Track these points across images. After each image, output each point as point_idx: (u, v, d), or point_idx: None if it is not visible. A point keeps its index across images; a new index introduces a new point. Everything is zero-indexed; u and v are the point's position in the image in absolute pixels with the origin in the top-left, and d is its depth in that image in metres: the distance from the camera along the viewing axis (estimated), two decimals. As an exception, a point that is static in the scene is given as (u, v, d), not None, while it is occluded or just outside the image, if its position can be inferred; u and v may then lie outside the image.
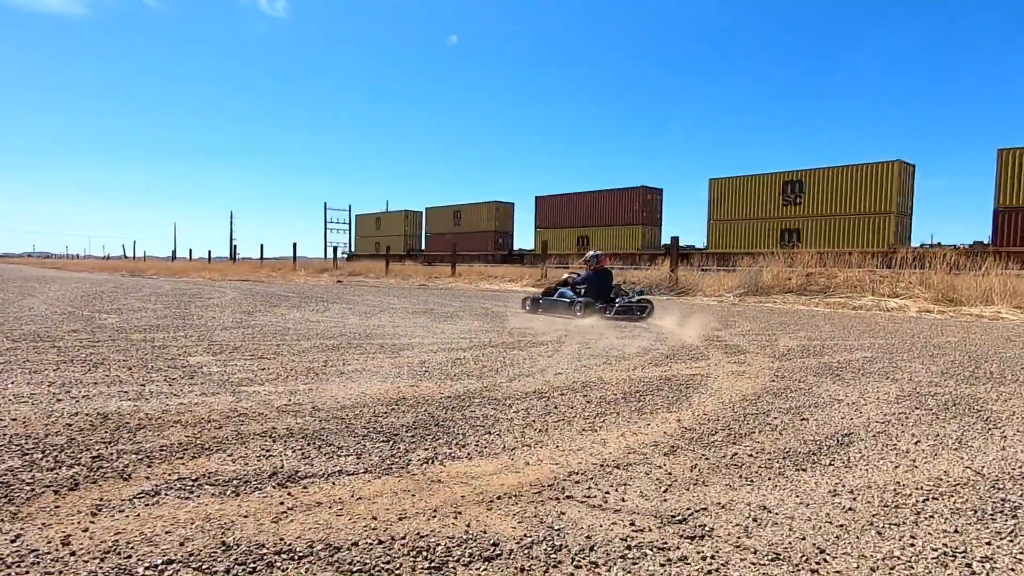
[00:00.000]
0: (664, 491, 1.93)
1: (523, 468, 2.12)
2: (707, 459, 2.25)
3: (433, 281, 19.97)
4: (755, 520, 1.72)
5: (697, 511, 1.77)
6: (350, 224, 68.99)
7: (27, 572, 1.34)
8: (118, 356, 4.20)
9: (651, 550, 1.52)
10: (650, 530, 1.64)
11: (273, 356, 4.38)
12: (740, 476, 2.08)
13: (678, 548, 1.54)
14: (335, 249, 33.81)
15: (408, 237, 42.97)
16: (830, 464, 2.24)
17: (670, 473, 2.09)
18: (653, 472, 2.10)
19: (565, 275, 9.25)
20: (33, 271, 30.46)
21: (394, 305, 9.82)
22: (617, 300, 8.10)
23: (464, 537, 1.57)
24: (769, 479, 2.06)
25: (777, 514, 1.77)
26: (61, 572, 1.34)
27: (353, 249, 50.61)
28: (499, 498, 1.84)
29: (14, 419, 2.53)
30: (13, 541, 1.48)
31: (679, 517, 1.73)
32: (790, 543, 1.59)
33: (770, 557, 1.51)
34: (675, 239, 15.08)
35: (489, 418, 2.78)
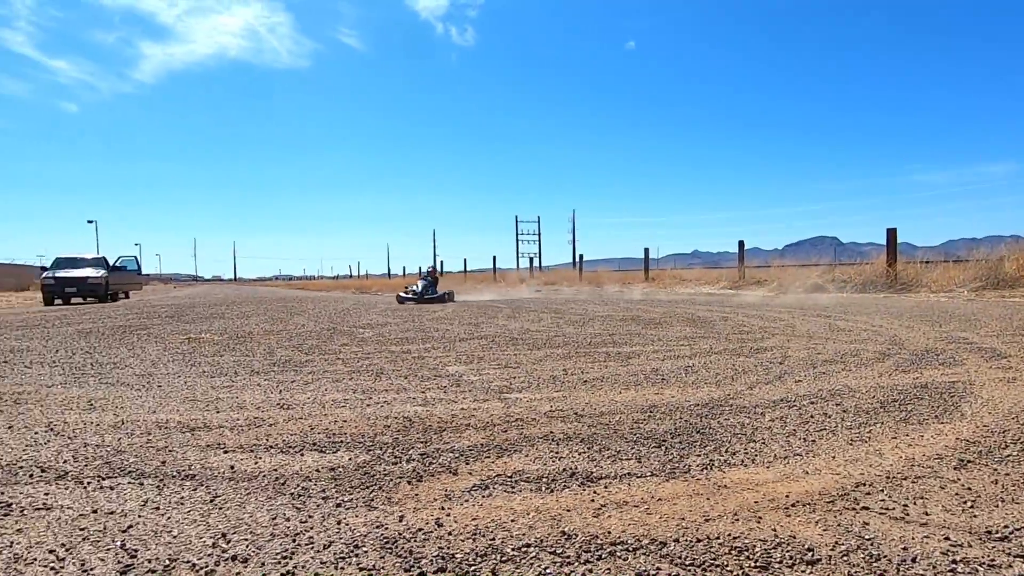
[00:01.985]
0: (970, 506, 1.84)
1: (803, 477, 2.13)
2: (1007, 474, 2.09)
3: (628, 288, 19.92)
4: (1089, 541, 1.59)
5: (1017, 529, 1.68)
6: (539, 235, 70.75)
7: (422, 547, 1.62)
8: (390, 366, 4.75)
9: (981, 567, 1.48)
10: (970, 546, 1.58)
11: (516, 365, 4.70)
12: (1052, 494, 1.92)
13: (1011, 566, 1.48)
14: (531, 260, 34.96)
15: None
16: None
17: (969, 488, 1.98)
18: (948, 486, 2.00)
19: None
20: (285, 292, 34.86)
21: (599, 313, 9.99)
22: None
23: (775, 540, 1.63)
24: (1088, 498, 1.88)
25: (1113, 536, 1.62)
26: (449, 546, 1.60)
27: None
28: (792, 506, 1.87)
29: (345, 420, 3.00)
30: (399, 521, 1.78)
31: (998, 534, 1.65)
32: None
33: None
34: (892, 231, 13.74)
35: (747, 426, 2.79)
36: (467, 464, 2.30)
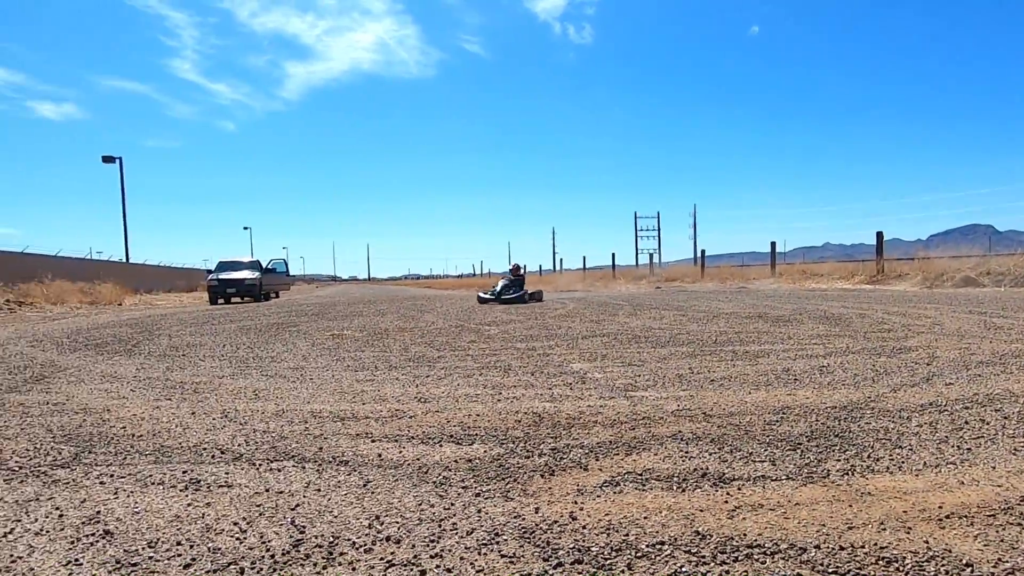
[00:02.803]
0: None
1: (958, 488, 1.97)
2: None
3: (753, 283, 19.05)
4: None
5: None
6: (659, 231, 69.15)
7: (558, 538, 1.66)
8: (517, 363, 4.86)
9: None
10: None
11: (640, 363, 4.65)
12: None
13: None
14: (650, 256, 34.25)
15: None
16: None
17: None
18: None
19: None
20: (413, 291, 36.38)
21: (724, 310, 9.64)
22: None
23: (928, 553, 1.53)
24: None
25: None
26: (584, 540, 1.64)
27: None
28: (947, 517, 1.74)
29: (478, 415, 3.11)
30: (535, 512, 1.84)
31: None
32: None
33: None
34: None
35: (891, 431, 2.61)
36: (597, 460, 2.33)
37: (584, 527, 1.72)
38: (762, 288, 19.08)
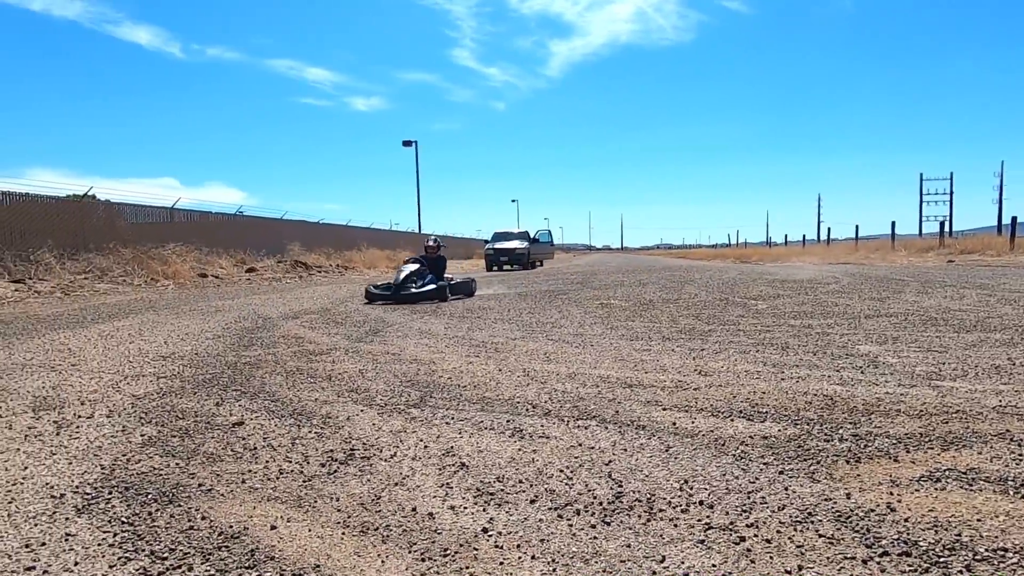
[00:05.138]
0: None
1: None
2: None
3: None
4: None
5: None
6: (951, 194, 58.80)
7: (878, 527, 1.61)
8: (795, 341, 4.60)
9: None
10: None
11: (942, 349, 4.10)
12: None
13: None
14: (940, 224, 29.17)
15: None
16: None
17: None
18: None
19: None
20: (668, 261, 35.87)
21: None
22: None
23: None
24: None
25: None
26: (908, 532, 1.56)
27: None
28: None
29: (763, 392, 3.05)
30: (847, 498, 1.79)
31: None
32: None
33: None
34: None
35: None
36: (908, 452, 2.16)
37: (906, 520, 1.64)
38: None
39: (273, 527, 1.72)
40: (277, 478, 2.10)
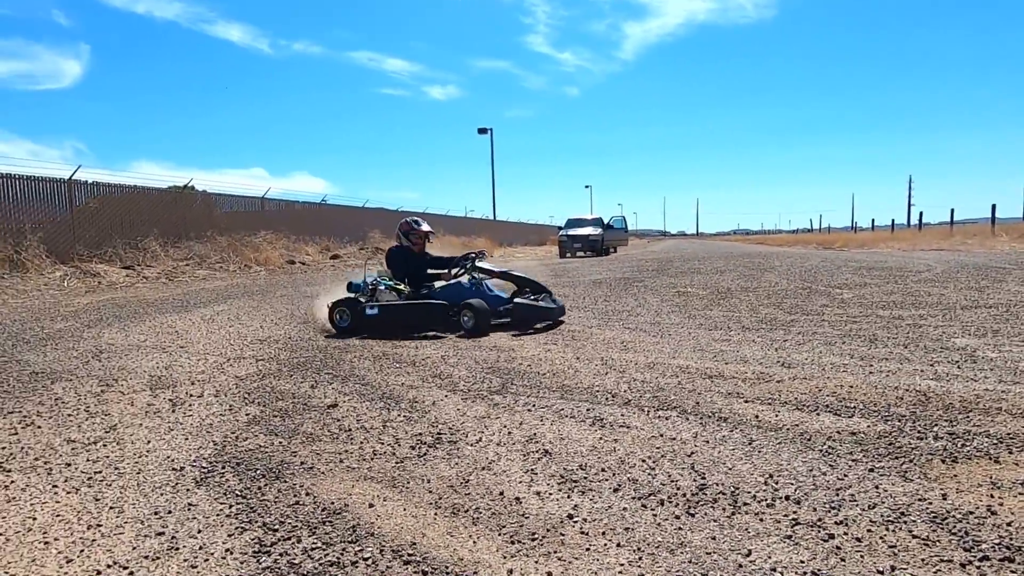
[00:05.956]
0: None
1: None
2: None
3: None
4: None
5: None
6: (1065, 177, 53.86)
7: (977, 530, 1.55)
8: (883, 333, 4.39)
9: None
10: None
11: (1051, 343, 3.82)
12: None
13: None
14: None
15: None
16: None
17: None
18: None
19: None
20: (745, 247, 34.68)
21: None
22: None
23: None
24: None
25: None
26: (1011, 538, 1.50)
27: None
28: None
29: (851, 386, 2.95)
30: (943, 499, 1.73)
31: None
32: None
33: None
34: None
35: None
36: (1010, 453, 2.05)
37: (1008, 524, 1.57)
38: None
39: (371, 505, 1.83)
40: (372, 459, 2.22)
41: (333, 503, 1.85)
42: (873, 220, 41.75)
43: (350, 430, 2.55)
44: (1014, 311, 5.23)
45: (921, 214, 32.10)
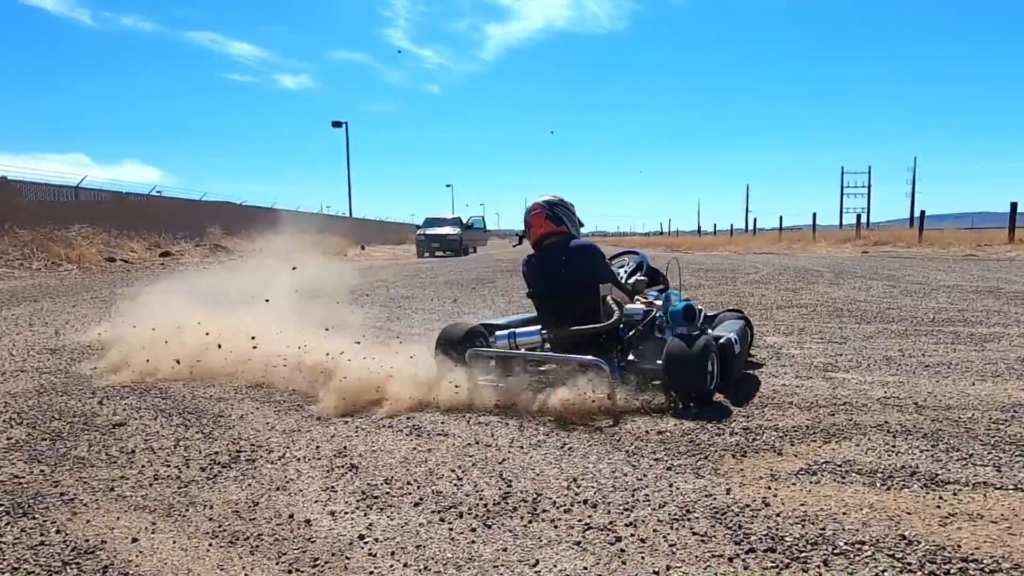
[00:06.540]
0: None
1: None
2: None
3: (984, 251, 16.46)
4: None
5: None
6: (868, 187, 61.93)
7: (750, 523, 1.66)
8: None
9: None
10: None
11: (842, 340, 4.31)
12: None
13: None
14: (857, 217, 30.60)
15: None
16: None
17: None
18: None
19: None
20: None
21: (945, 283, 8.49)
22: None
23: None
24: None
25: None
26: (777, 528, 1.62)
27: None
28: None
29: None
30: (727, 494, 1.84)
31: None
32: None
33: None
34: None
35: None
36: (792, 445, 2.25)
37: (777, 515, 1.70)
38: (996, 257, 16.42)
39: (135, 540, 1.63)
40: (151, 484, 1.99)
41: (88, 540, 1.63)
42: (715, 225, 45.72)
43: (132, 452, 2.28)
44: (818, 310, 5.87)
45: (756, 220, 35.60)
